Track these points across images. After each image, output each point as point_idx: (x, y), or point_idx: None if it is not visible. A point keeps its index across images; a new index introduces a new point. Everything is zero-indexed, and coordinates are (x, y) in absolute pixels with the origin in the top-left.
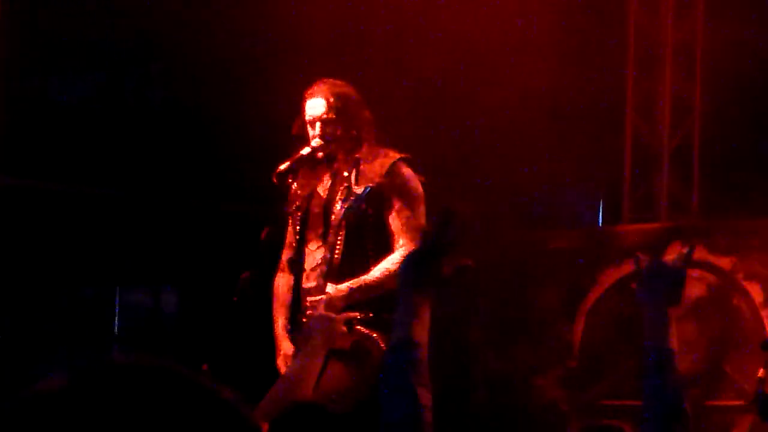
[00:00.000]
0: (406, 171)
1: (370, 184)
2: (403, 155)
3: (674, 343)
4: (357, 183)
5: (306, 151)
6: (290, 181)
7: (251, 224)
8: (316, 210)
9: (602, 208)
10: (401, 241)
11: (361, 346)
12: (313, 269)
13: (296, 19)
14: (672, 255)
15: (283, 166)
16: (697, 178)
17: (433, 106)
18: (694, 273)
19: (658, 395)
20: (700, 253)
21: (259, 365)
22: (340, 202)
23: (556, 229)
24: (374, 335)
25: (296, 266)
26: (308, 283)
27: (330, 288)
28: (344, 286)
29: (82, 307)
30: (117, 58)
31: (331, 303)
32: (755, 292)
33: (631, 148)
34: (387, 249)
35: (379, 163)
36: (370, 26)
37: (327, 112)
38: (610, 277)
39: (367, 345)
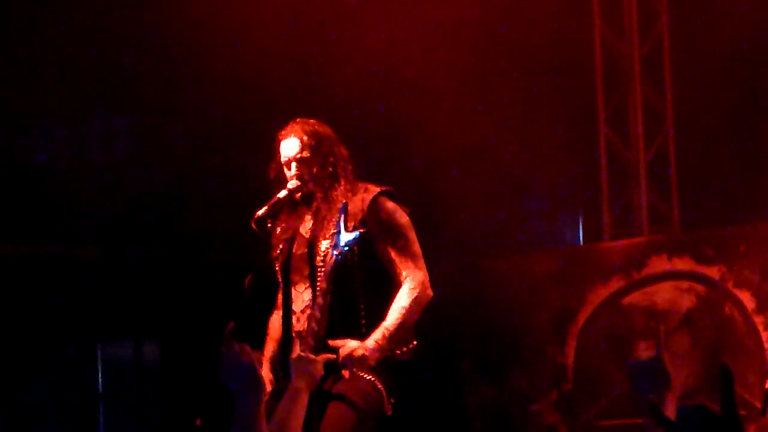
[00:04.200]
0: (389, 204)
1: (360, 229)
2: (382, 188)
3: (670, 413)
4: (345, 226)
5: (283, 194)
6: (269, 225)
7: (232, 273)
8: (300, 251)
9: (582, 225)
10: (404, 272)
11: (359, 388)
12: (302, 311)
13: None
14: (642, 351)
15: (261, 212)
16: (676, 188)
17: (402, 137)
18: (683, 285)
19: None
20: (687, 264)
21: None
22: (326, 244)
23: (538, 251)
24: (370, 377)
25: (285, 308)
26: (299, 325)
27: (354, 344)
28: (372, 342)
29: (64, 364)
30: (80, 113)
31: (364, 361)
32: (746, 299)
33: (607, 163)
34: (375, 287)
35: (360, 198)
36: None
37: (301, 152)
38: (599, 295)
39: (364, 387)
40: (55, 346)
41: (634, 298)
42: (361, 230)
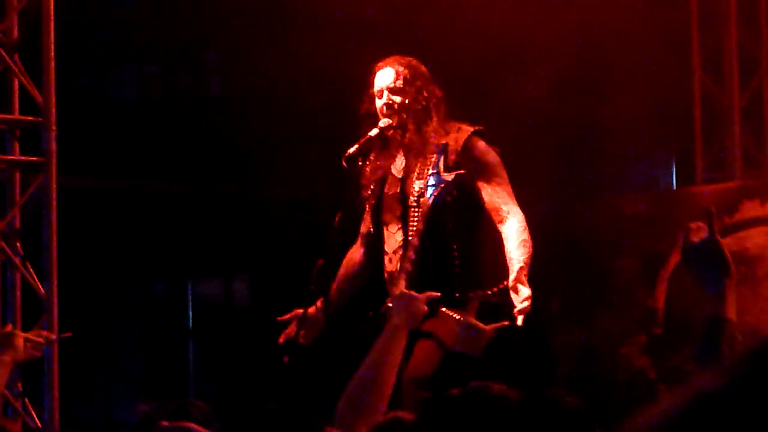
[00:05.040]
0: (481, 144)
1: (459, 171)
2: (475, 128)
3: (731, 313)
4: (434, 163)
5: (374, 131)
6: (360, 164)
7: (322, 211)
8: (393, 191)
9: (675, 169)
10: (506, 208)
11: (450, 327)
12: (395, 251)
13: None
14: (694, 233)
15: (351, 150)
16: None
17: (498, 72)
18: None
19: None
20: None
21: (338, 354)
22: (419, 184)
23: (631, 193)
24: (458, 316)
25: (378, 249)
26: (391, 266)
27: (527, 291)
28: (516, 272)
29: (154, 301)
30: (170, 50)
31: (522, 288)
32: None
33: (701, 107)
34: (467, 228)
35: (453, 137)
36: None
37: (395, 81)
38: None
39: (454, 326)
40: (146, 282)
41: (726, 243)
42: (460, 171)
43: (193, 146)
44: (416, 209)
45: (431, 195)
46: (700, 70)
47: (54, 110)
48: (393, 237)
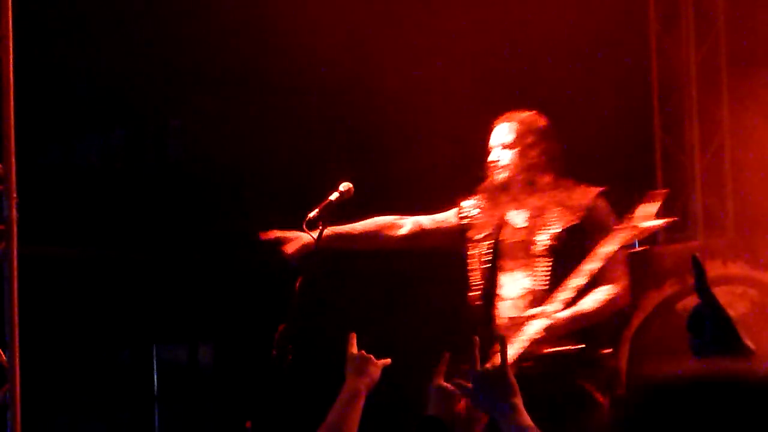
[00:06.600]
0: (605, 206)
1: (575, 221)
2: (601, 189)
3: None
4: (560, 216)
5: (334, 195)
6: (321, 227)
7: (285, 276)
8: (514, 240)
9: None
10: (612, 275)
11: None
12: (519, 297)
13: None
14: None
15: (312, 214)
16: (731, 192)
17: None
18: (738, 289)
19: None
20: (741, 269)
21: (301, 420)
22: (541, 233)
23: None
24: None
25: (489, 294)
26: (512, 311)
27: (549, 308)
28: (565, 314)
29: (120, 367)
30: (135, 116)
31: (552, 330)
32: None
33: (662, 167)
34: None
35: (580, 194)
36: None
37: (505, 139)
38: (652, 300)
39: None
40: (111, 348)
41: (688, 302)
42: (576, 222)
43: (156, 213)
44: (542, 259)
45: (546, 239)
46: (661, 131)
47: (15, 178)
48: (516, 283)
